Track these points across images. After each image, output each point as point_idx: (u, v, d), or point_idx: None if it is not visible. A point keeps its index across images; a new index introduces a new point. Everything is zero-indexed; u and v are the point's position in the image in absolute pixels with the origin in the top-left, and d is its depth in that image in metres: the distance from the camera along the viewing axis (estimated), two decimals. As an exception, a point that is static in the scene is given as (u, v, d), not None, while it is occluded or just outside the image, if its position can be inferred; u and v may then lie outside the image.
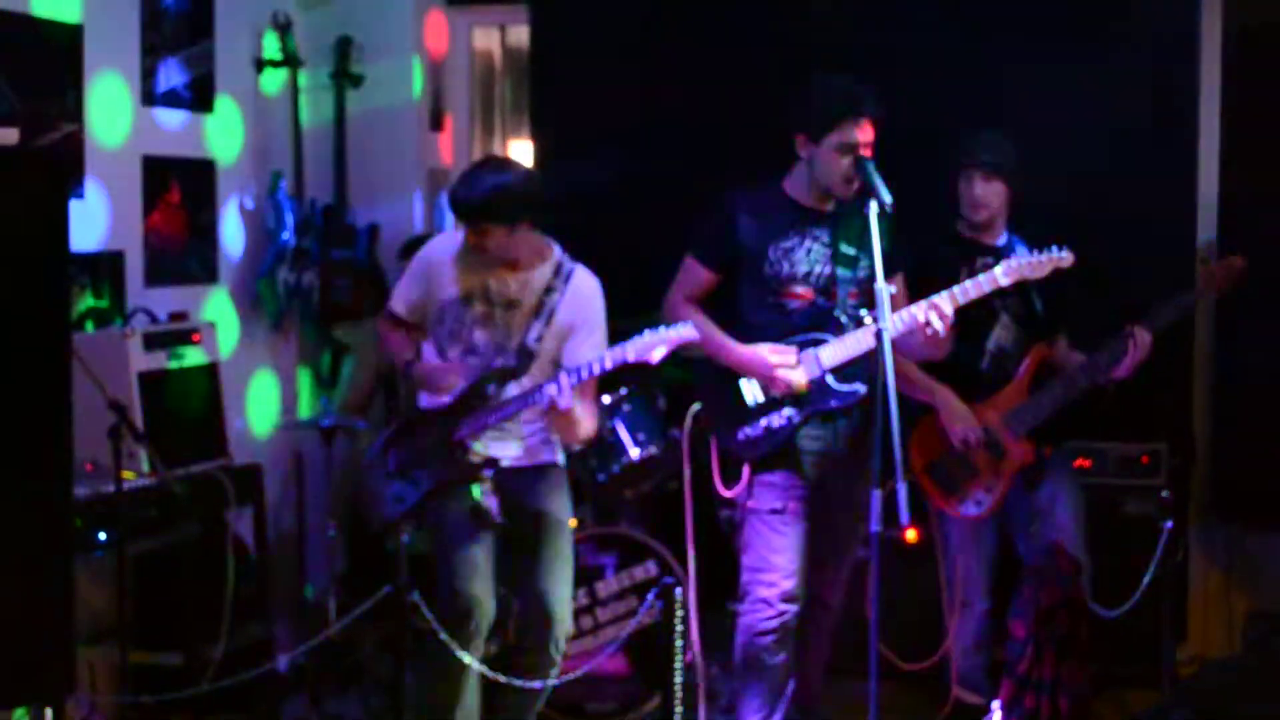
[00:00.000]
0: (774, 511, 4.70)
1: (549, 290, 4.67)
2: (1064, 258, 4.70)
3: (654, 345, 4.35)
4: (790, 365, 4.63)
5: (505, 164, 4.72)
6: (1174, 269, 5.77)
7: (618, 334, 4.88)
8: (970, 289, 4.63)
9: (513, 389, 4.61)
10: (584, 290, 4.72)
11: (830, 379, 4.67)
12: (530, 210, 4.59)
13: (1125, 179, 5.88)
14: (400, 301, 4.82)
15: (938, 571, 5.34)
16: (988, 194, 5.14)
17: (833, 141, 4.59)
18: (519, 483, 4.73)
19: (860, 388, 4.65)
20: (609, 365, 4.41)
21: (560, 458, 4.87)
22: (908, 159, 4.76)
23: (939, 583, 5.34)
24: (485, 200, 4.52)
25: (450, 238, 4.86)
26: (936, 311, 4.54)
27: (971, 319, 4.76)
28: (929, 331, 4.53)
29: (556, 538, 4.77)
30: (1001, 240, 5.22)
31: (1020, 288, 4.87)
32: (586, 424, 4.64)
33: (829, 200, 4.71)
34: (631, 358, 4.37)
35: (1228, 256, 5.34)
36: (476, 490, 4.64)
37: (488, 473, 4.63)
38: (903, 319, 4.54)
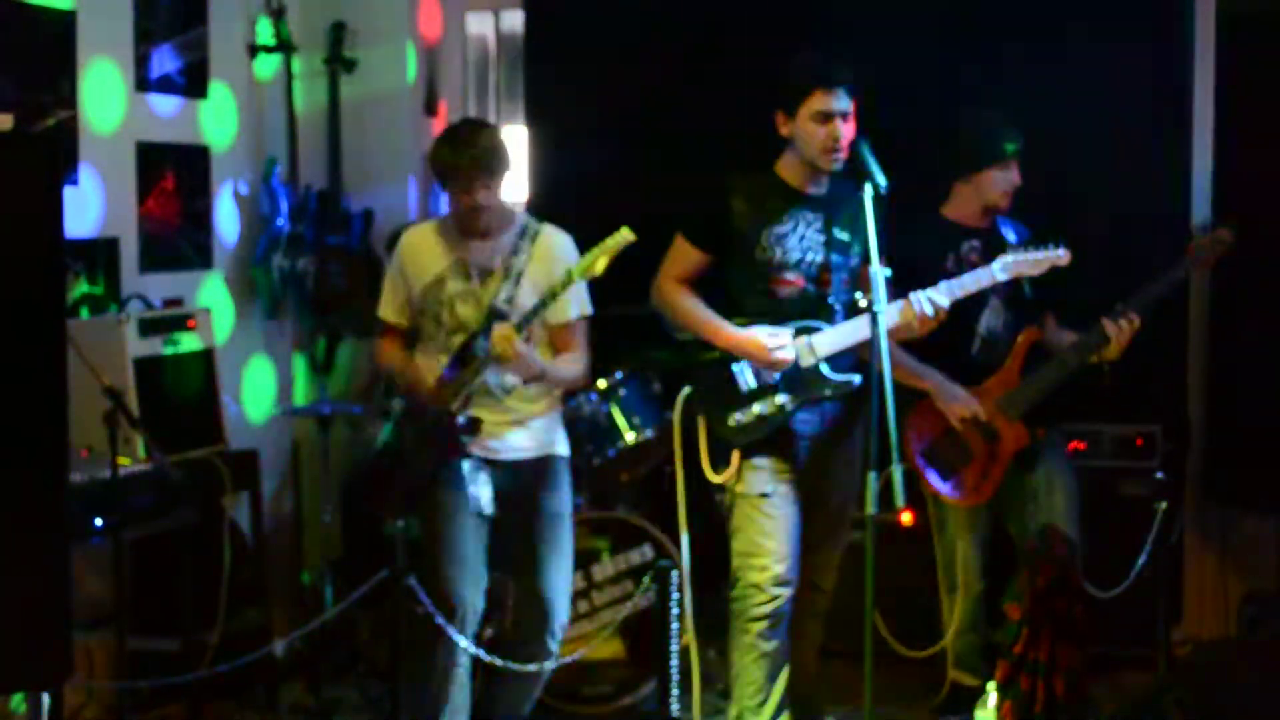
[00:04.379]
0: (763, 495, 4.70)
1: (515, 251, 4.70)
2: (1061, 256, 4.71)
3: (596, 259, 4.42)
4: (784, 346, 4.63)
5: (480, 121, 4.92)
6: (1169, 251, 5.77)
7: (614, 320, 4.89)
8: (969, 283, 4.65)
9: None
10: (553, 245, 4.75)
11: (825, 368, 4.67)
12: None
13: (1120, 161, 5.89)
14: (389, 309, 4.84)
15: (933, 555, 5.35)
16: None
17: (807, 112, 4.59)
18: (520, 474, 4.74)
19: (855, 378, 4.65)
20: (560, 290, 4.49)
21: (564, 450, 4.88)
22: (897, 141, 4.76)
23: (934, 566, 5.35)
24: (490, 151, 4.62)
25: (417, 228, 4.92)
26: (933, 304, 4.55)
27: (961, 304, 4.76)
28: (922, 320, 4.55)
29: (556, 530, 4.78)
30: (985, 223, 5.22)
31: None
32: (568, 373, 4.70)
33: (820, 180, 4.70)
34: (578, 277, 4.45)
35: (1214, 229, 5.34)
36: (466, 466, 4.65)
37: (467, 437, 4.61)
38: (899, 309, 4.55)
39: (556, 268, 4.66)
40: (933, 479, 5.21)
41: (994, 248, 5.08)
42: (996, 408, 5.13)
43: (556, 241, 4.77)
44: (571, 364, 4.74)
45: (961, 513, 5.26)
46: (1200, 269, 5.33)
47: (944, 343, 4.88)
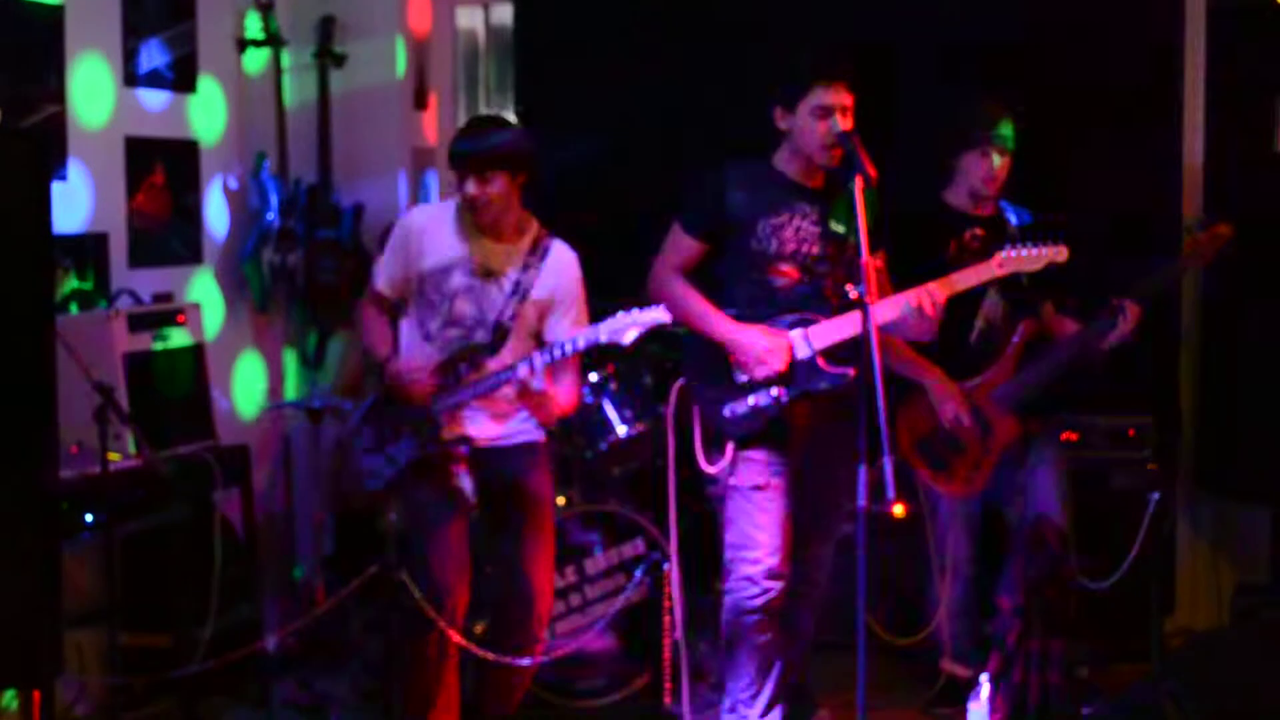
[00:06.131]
0: (756, 488, 4.70)
1: (525, 265, 4.68)
2: (1059, 252, 4.71)
3: (626, 328, 4.36)
4: (779, 350, 4.62)
5: (504, 119, 4.86)
6: (1162, 242, 5.79)
7: (600, 314, 4.88)
8: (967, 278, 4.65)
9: (492, 365, 4.61)
10: (561, 264, 4.72)
11: (820, 360, 4.66)
12: (531, 162, 4.64)
13: (1112, 151, 5.90)
14: (383, 278, 4.80)
15: (925, 546, 5.35)
16: (1002, 168, 5.16)
17: (807, 107, 4.58)
18: (499, 461, 4.74)
19: (850, 371, 4.64)
20: (582, 345, 4.43)
21: (541, 435, 4.87)
22: (896, 127, 4.77)
23: (926, 557, 5.35)
24: (496, 146, 4.58)
25: (431, 208, 4.88)
26: (930, 298, 4.54)
27: (959, 294, 4.76)
28: (919, 314, 4.54)
29: (537, 516, 4.77)
30: (989, 210, 5.23)
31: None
32: (562, 402, 4.68)
33: (817, 174, 4.70)
34: (604, 339, 4.40)
35: (1215, 225, 5.35)
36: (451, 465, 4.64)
37: (463, 450, 4.62)
38: (895, 304, 4.54)
39: (561, 288, 4.67)
40: (925, 471, 5.22)
41: (997, 233, 5.09)
42: (991, 400, 5.13)
43: (564, 259, 4.74)
44: (568, 393, 4.73)
45: (953, 503, 5.27)
46: (1199, 265, 5.34)
47: (942, 333, 4.88)
